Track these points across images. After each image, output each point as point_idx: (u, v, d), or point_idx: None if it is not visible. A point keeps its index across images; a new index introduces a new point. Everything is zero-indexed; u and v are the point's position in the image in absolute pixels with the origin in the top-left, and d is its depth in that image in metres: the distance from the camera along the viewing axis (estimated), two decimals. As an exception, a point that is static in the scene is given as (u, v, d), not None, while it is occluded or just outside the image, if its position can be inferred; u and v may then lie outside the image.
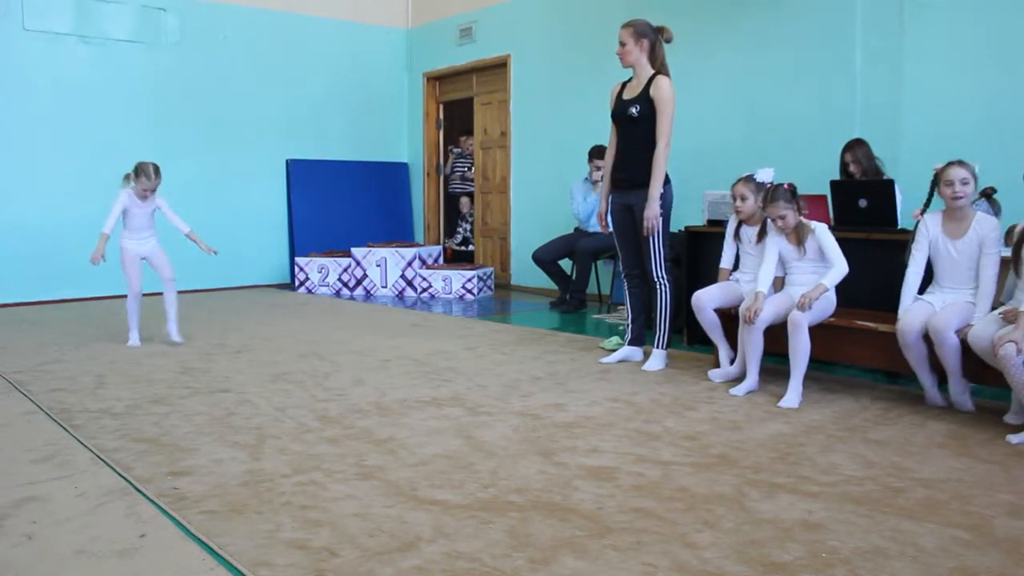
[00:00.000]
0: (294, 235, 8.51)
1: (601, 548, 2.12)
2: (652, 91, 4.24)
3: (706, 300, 4.04)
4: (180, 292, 7.72)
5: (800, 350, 3.62)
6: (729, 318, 4.08)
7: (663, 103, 4.21)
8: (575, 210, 6.74)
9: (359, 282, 7.89)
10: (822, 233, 3.77)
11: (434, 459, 2.84)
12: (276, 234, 8.52)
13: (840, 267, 3.71)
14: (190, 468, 2.75)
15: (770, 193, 3.82)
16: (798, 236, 3.81)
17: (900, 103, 5.14)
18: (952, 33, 4.91)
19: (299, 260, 8.03)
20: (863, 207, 4.13)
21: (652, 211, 4.25)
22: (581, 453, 2.91)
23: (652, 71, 4.31)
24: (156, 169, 5.02)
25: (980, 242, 3.38)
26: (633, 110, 4.27)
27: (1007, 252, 3.43)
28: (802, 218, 3.82)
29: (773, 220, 3.83)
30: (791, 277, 3.87)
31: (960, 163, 3.40)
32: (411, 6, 9.31)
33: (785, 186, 3.80)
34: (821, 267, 3.76)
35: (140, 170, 4.97)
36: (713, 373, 4.08)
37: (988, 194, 4.01)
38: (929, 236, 3.52)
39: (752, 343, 3.78)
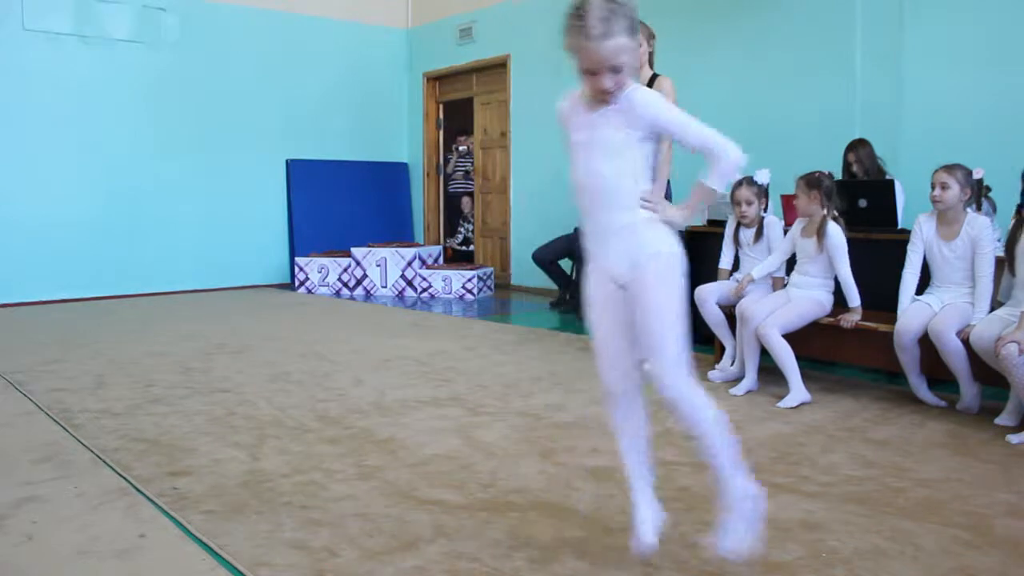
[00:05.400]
0: (294, 235, 8.51)
1: (601, 548, 2.11)
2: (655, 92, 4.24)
3: (709, 293, 4.05)
4: (180, 292, 7.82)
5: (778, 356, 3.63)
6: (730, 316, 4.08)
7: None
8: (575, 210, 6.73)
9: (359, 282, 7.89)
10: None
11: (434, 459, 2.84)
12: (276, 234, 8.52)
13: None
14: (190, 468, 2.75)
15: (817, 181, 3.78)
16: (819, 232, 3.76)
17: (900, 103, 5.14)
18: (952, 33, 4.91)
19: (299, 260, 8.02)
20: (863, 207, 4.13)
21: (658, 212, 4.25)
22: (581, 453, 2.91)
23: (652, 72, 4.33)
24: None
25: (973, 242, 3.38)
26: None
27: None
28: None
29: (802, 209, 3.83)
30: (797, 278, 3.84)
31: (948, 168, 3.42)
32: (411, 6, 9.31)
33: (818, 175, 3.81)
34: (820, 271, 3.77)
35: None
36: (713, 374, 4.08)
37: (983, 193, 4.01)
38: (924, 237, 3.53)
39: (748, 343, 3.79)
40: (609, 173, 1.88)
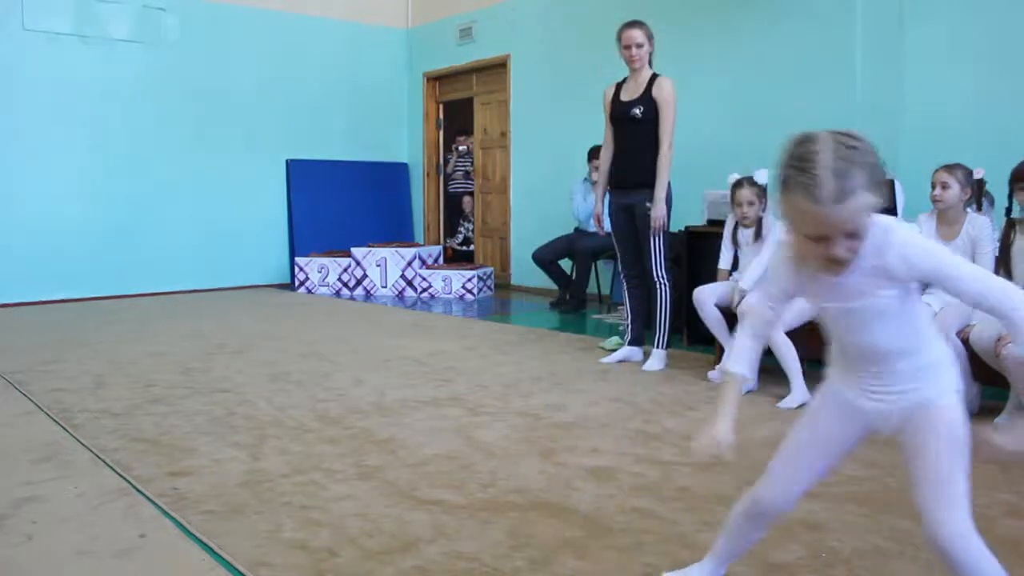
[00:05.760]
0: (294, 235, 8.51)
1: (601, 548, 2.11)
2: (655, 92, 4.25)
3: (707, 295, 4.05)
4: (180, 292, 7.83)
5: (782, 354, 3.63)
6: (731, 315, 4.08)
7: (667, 104, 4.23)
8: (575, 210, 6.74)
9: (359, 282, 7.89)
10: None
11: (434, 459, 2.84)
12: (276, 234, 8.52)
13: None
14: (190, 468, 2.75)
15: None
16: None
17: (900, 103, 5.14)
18: (952, 33, 4.91)
19: (299, 260, 8.03)
20: (863, 207, 4.12)
21: (659, 211, 4.27)
22: (581, 453, 2.91)
23: (651, 72, 4.34)
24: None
25: (973, 242, 3.39)
26: (636, 111, 4.28)
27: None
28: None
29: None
30: None
31: (948, 168, 3.42)
32: (411, 6, 9.31)
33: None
34: None
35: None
36: (713, 374, 4.07)
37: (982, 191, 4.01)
38: (924, 236, 3.53)
39: None
40: (885, 341, 1.53)
